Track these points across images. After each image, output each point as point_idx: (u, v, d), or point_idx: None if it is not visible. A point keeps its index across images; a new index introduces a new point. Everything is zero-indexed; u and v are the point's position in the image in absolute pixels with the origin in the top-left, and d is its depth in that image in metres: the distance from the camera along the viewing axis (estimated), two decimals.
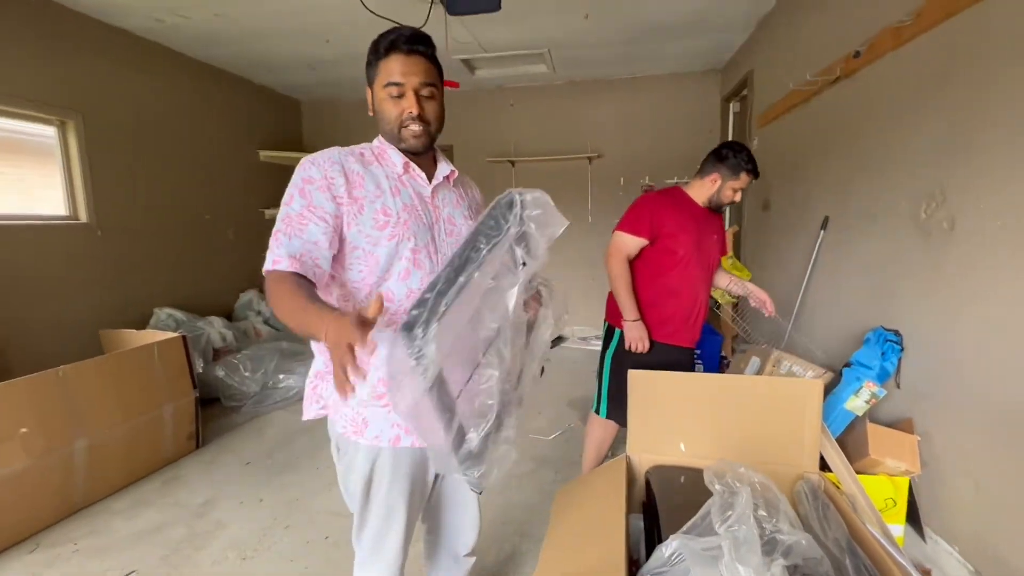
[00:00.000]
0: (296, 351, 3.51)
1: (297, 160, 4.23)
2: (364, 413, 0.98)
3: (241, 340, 3.59)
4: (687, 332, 1.85)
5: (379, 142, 1.02)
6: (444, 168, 1.05)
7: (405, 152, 0.99)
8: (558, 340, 4.66)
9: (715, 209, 1.84)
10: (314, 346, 1.00)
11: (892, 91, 1.81)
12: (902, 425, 1.69)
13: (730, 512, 1.05)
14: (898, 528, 1.57)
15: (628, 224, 1.79)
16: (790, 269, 2.61)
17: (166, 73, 3.47)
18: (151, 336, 2.60)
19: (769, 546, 1.03)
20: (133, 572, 1.69)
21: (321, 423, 2.66)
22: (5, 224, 2.59)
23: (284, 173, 4.61)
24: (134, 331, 2.76)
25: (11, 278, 2.58)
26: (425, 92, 0.94)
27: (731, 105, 3.98)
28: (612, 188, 4.46)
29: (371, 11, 2.62)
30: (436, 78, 0.98)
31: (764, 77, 3.13)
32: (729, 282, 1.98)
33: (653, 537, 1.39)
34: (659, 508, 1.43)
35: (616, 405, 1.87)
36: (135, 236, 3.26)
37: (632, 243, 1.78)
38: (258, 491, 2.19)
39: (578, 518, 1.43)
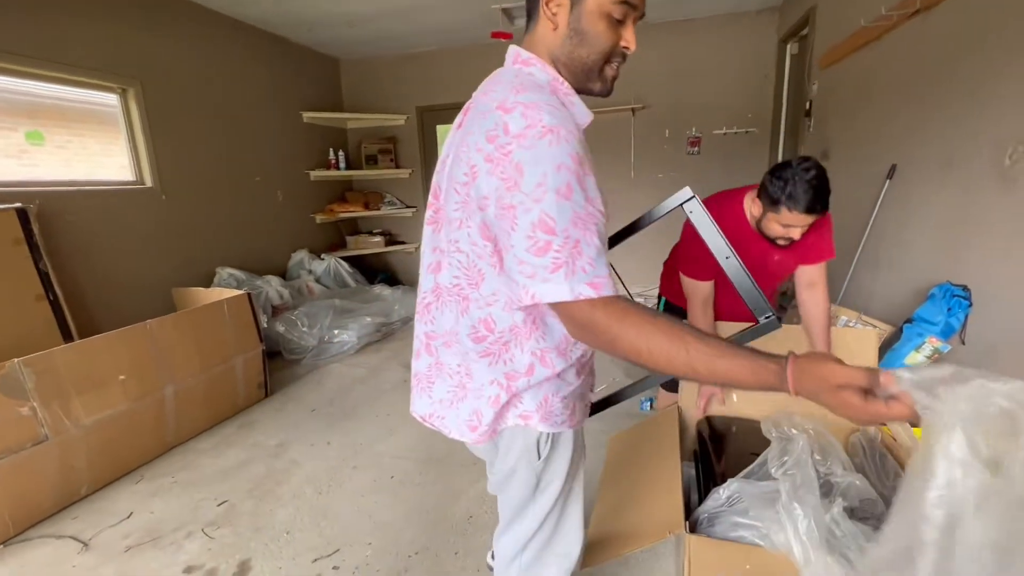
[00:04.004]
0: (347, 308, 3.68)
1: (340, 121, 4.22)
2: (572, 398, 0.88)
3: (296, 298, 3.78)
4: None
5: (555, 79, 0.78)
6: (588, 115, 0.82)
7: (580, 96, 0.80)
8: None
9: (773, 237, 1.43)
10: (530, 357, 0.80)
11: (982, 25, 1.66)
12: None
13: (787, 457, 1.09)
14: None
15: (689, 266, 1.56)
16: (849, 221, 2.51)
17: (212, 36, 3.53)
18: (218, 294, 2.78)
19: (825, 489, 1.06)
20: (225, 501, 1.90)
21: (377, 379, 2.77)
22: (82, 190, 2.77)
23: (326, 134, 4.72)
24: (203, 289, 2.96)
25: (89, 241, 2.79)
26: None
27: (788, 47, 3.72)
28: (657, 140, 4.32)
29: None
30: None
31: (829, 13, 2.90)
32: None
33: (706, 482, 1.45)
34: (712, 456, 1.48)
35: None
36: (195, 199, 3.43)
37: (705, 289, 1.57)
38: (325, 435, 2.37)
39: (632, 463, 1.50)
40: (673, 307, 1.85)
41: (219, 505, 1.88)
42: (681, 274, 1.63)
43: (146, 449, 2.18)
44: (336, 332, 3.41)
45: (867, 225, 2.28)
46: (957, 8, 1.77)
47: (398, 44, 4.50)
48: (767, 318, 1.13)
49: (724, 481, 1.22)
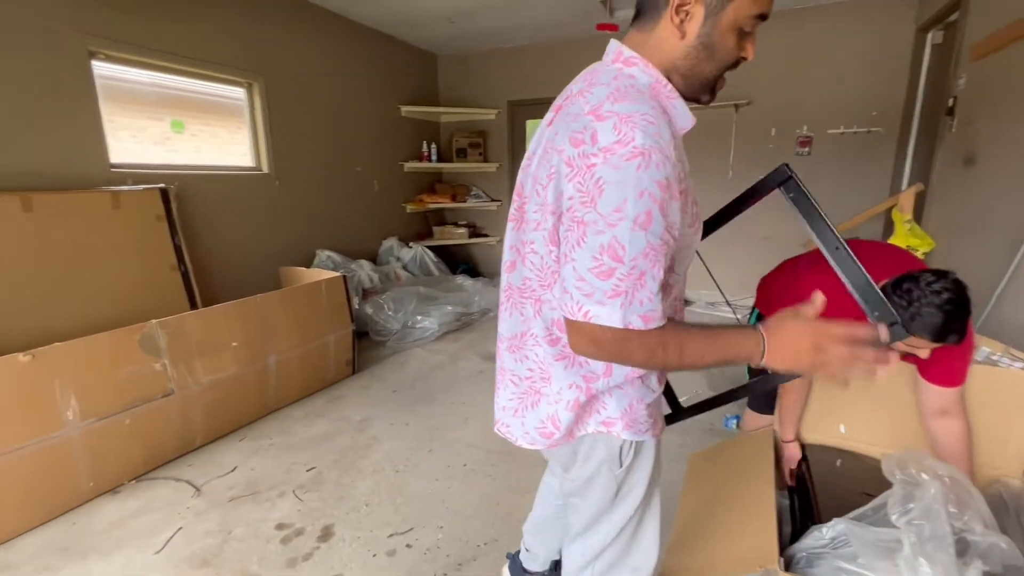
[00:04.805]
0: (431, 296, 3.82)
1: (435, 114, 4.38)
2: (655, 406, 0.87)
3: (384, 282, 3.99)
4: None
5: (657, 81, 0.72)
6: (690, 119, 0.78)
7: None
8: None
9: None
10: (593, 367, 0.79)
11: None
12: None
13: (913, 505, 0.95)
14: None
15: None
16: (997, 238, 2.16)
17: (326, 34, 3.79)
18: (317, 274, 3.00)
19: (960, 547, 0.92)
20: (314, 468, 2.05)
21: (455, 367, 2.82)
22: (210, 174, 3.11)
23: (421, 127, 4.91)
24: (305, 269, 3.20)
25: (214, 219, 3.12)
26: None
27: (930, 36, 3.27)
28: (761, 140, 4.01)
29: None
30: None
31: None
32: None
33: (803, 517, 1.32)
34: (812, 489, 1.35)
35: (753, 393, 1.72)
36: (303, 185, 3.72)
37: None
38: (404, 416, 2.48)
39: (718, 484, 1.40)
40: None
41: (308, 471, 2.03)
42: None
43: (249, 411, 2.40)
44: (419, 318, 3.54)
45: (1023, 242, 1.95)
46: None
47: (493, 39, 4.56)
48: (893, 325, 0.88)
49: (825, 519, 1.10)
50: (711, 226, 1.10)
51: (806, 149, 3.89)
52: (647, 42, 0.73)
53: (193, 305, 2.74)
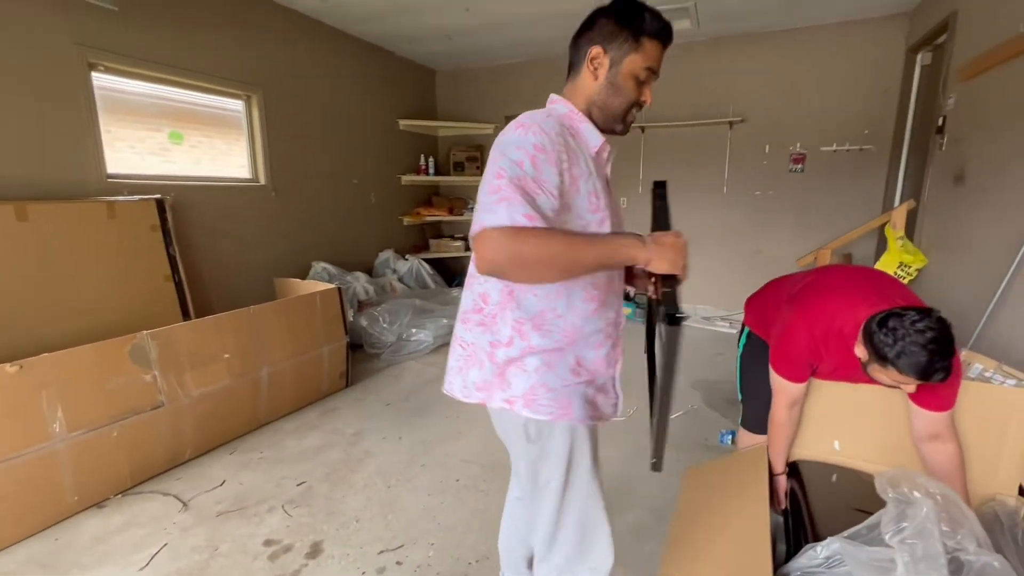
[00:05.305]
0: (426, 308, 3.80)
1: (432, 128, 4.43)
2: (566, 393, 0.94)
3: (380, 295, 3.97)
4: None
5: (571, 111, 0.96)
6: (597, 138, 0.99)
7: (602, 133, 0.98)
8: (678, 318, 4.46)
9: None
10: (510, 329, 0.93)
11: None
12: None
13: (906, 524, 0.95)
14: None
15: (784, 366, 1.34)
16: (989, 254, 2.18)
17: (327, 49, 3.83)
18: (312, 286, 2.99)
19: (954, 567, 0.91)
20: (304, 482, 2.02)
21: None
22: (207, 185, 3.11)
23: (419, 141, 4.95)
24: (299, 280, 3.19)
25: (209, 230, 3.12)
26: None
27: (919, 56, 3.34)
28: (755, 156, 4.05)
29: None
30: None
31: (974, 18, 2.56)
32: None
33: (796, 535, 1.31)
34: (805, 506, 1.33)
35: (747, 409, 1.67)
36: (299, 197, 3.73)
37: (796, 390, 1.35)
38: (397, 430, 2.45)
39: (713, 501, 1.39)
40: (758, 339, 1.65)
41: (298, 485, 2.00)
42: (771, 368, 1.40)
43: (240, 423, 2.37)
44: (414, 331, 3.53)
45: (1014, 259, 1.97)
46: None
47: (490, 56, 4.63)
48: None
49: (820, 537, 1.09)
50: None
51: (799, 166, 3.93)
52: (574, 87, 0.98)
53: (186, 316, 2.72)
